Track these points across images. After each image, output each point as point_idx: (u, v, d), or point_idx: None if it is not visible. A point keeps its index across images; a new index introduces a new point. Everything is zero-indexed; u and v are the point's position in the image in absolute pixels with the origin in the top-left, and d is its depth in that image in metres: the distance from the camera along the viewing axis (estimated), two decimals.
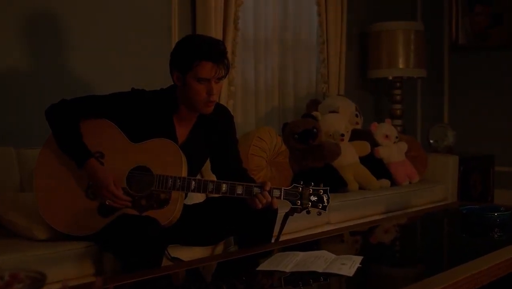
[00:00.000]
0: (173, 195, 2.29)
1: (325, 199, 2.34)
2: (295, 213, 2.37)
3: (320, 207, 2.33)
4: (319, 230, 3.20)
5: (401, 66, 4.76)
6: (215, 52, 2.30)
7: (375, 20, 4.89)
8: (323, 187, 2.34)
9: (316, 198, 2.33)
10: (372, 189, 3.88)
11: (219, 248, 2.62)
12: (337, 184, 3.70)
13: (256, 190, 2.28)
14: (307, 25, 4.52)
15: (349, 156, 3.93)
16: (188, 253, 2.47)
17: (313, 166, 3.72)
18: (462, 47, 5.41)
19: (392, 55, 4.74)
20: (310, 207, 2.32)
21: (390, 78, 4.87)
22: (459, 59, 5.44)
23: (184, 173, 2.31)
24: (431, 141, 4.95)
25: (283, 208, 2.40)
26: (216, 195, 2.41)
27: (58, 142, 2.34)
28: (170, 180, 2.27)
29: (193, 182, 2.28)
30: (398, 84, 4.92)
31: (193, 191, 2.29)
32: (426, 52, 4.93)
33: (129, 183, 2.31)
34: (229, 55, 3.12)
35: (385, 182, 4.02)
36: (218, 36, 3.66)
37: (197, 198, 2.82)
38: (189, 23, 3.73)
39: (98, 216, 2.30)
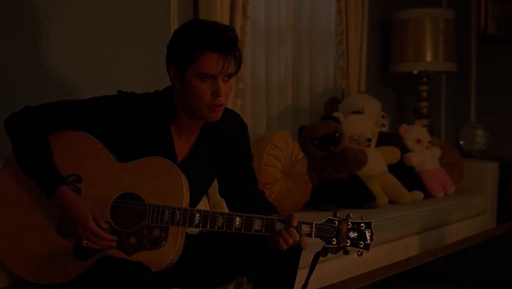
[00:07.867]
0: (171, 231, 1.81)
1: (367, 235, 1.82)
2: (328, 254, 1.85)
3: (362, 246, 1.81)
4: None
5: (429, 59, 4.30)
6: (222, 39, 1.77)
7: (398, 7, 4.41)
8: (364, 220, 1.83)
9: (356, 235, 1.82)
10: (404, 203, 3.43)
11: None
12: (364, 198, 3.29)
13: (279, 225, 1.77)
14: (325, 13, 4.05)
15: (376, 165, 3.48)
16: None
17: (335, 176, 3.31)
18: (492, 38, 4.97)
19: (419, 46, 4.30)
20: (349, 246, 1.81)
21: (415, 72, 4.39)
22: (488, 51, 5.00)
23: (185, 202, 1.83)
24: (461, 142, 4.45)
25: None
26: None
27: (20, 163, 1.84)
28: (168, 211, 1.79)
29: (198, 215, 1.80)
30: (424, 79, 4.45)
31: (197, 226, 1.81)
32: (456, 43, 4.44)
33: (114, 215, 1.83)
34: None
35: (418, 194, 3.60)
36: None
37: None
38: (191, 10, 3.23)
39: (74, 259, 1.82)
